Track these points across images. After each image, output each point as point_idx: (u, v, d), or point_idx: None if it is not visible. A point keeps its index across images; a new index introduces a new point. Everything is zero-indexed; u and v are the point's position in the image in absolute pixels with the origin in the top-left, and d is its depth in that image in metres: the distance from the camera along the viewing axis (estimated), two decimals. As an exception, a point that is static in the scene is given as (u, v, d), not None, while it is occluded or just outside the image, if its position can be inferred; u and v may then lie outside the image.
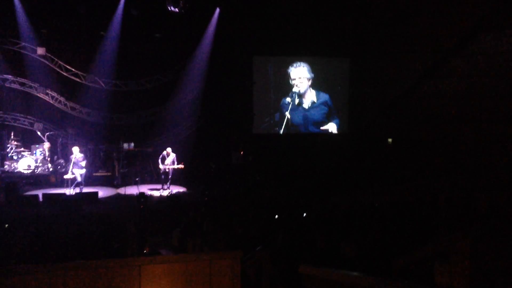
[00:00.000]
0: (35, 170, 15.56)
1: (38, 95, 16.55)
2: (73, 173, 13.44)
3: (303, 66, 18.45)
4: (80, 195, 13.24)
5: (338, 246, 6.02)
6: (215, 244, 7.26)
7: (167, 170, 14.17)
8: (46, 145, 15.94)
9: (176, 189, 14.81)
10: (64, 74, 16.66)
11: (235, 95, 18.15)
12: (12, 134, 16.00)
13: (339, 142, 18.79)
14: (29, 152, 15.94)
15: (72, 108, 17.01)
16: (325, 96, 18.67)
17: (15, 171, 15.48)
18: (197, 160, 16.87)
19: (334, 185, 14.84)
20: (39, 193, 13.10)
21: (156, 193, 14.23)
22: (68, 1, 15.33)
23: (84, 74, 16.85)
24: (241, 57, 17.92)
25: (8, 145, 15.87)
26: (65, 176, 13.76)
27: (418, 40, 16.50)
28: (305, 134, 18.77)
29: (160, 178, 14.52)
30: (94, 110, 17.17)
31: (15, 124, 16.48)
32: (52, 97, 16.71)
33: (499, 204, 7.75)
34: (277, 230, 7.24)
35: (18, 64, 16.37)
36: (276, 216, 9.51)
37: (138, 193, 12.92)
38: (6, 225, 9.10)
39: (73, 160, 13.37)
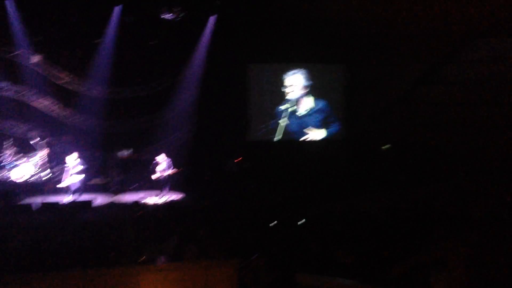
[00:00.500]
0: (30, 178, 15.49)
1: (33, 103, 16.50)
2: (69, 181, 13.40)
3: (299, 74, 18.47)
4: (75, 203, 13.19)
5: (334, 253, 6.03)
6: (212, 251, 7.24)
7: (161, 177, 14.16)
8: (42, 152, 15.88)
9: (172, 196, 14.78)
10: (59, 82, 16.63)
11: (230, 102, 18.15)
12: (6, 142, 15.91)
13: (335, 148, 18.80)
14: (24, 160, 15.86)
15: (68, 116, 16.97)
16: (321, 103, 18.70)
17: (9, 179, 15.39)
18: (193, 167, 16.84)
19: (329, 191, 14.83)
20: (34, 201, 13.05)
21: (152, 201, 14.19)
22: (62, 9, 15.34)
23: (79, 82, 16.82)
24: (236, 65, 17.94)
25: (2, 153, 15.79)
26: (61, 184, 13.71)
27: (414, 46, 16.58)
28: (300, 141, 18.78)
29: (157, 185, 14.49)
30: (90, 117, 17.13)
31: (11, 132, 16.41)
32: (47, 105, 16.66)
33: (496, 211, 7.76)
34: (273, 238, 7.24)
35: (13, 72, 16.33)
36: (272, 224, 9.51)
37: (134, 200, 12.89)
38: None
39: (69, 167, 13.33)
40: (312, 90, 18.63)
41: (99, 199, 14.20)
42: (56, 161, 16.34)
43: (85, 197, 13.79)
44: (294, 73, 18.49)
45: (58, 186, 13.86)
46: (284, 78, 18.50)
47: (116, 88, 17.22)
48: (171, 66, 17.62)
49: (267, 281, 5.48)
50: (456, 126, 16.08)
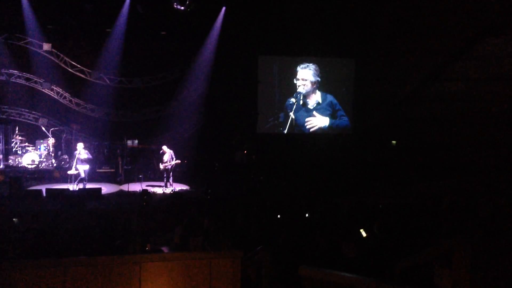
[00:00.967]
0: (39, 165, 15.61)
1: (43, 90, 16.62)
2: (76, 169, 13.48)
3: (309, 69, 18.40)
4: (83, 191, 13.27)
5: (340, 247, 6.02)
6: (217, 242, 7.26)
7: (167, 168, 14.20)
8: (51, 140, 15.99)
9: (179, 187, 14.83)
10: (70, 70, 16.72)
11: (240, 94, 18.13)
12: (16, 129, 16.05)
13: (343, 142, 18.74)
14: (34, 147, 15.99)
15: (77, 104, 17.06)
16: (330, 98, 18.64)
17: (19, 166, 15.53)
18: (201, 159, 16.88)
19: (337, 186, 14.80)
20: (43, 188, 13.15)
21: (159, 190, 14.25)
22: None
23: (90, 71, 16.90)
24: (246, 56, 17.90)
25: (12, 140, 15.92)
26: (69, 172, 13.80)
27: (424, 41, 16.45)
28: (309, 134, 18.75)
29: (162, 175, 14.53)
30: (99, 106, 17.23)
31: (20, 119, 16.55)
32: (57, 93, 16.77)
33: (502, 208, 7.70)
34: (279, 230, 7.24)
35: (24, 60, 16.44)
36: (278, 216, 9.51)
37: (141, 190, 12.95)
38: (15, 219, 9.11)
39: (77, 156, 13.41)
40: (321, 84, 18.58)
41: (107, 188, 14.27)
42: (65, 149, 16.46)
43: (92, 185, 13.86)
44: (304, 67, 18.43)
45: (68, 173, 13.93)
46: (294, 71, 18.45)
47: (126, 78, 17.27)
48: (181, 57, 17.63)
49: (271, 274, 5.50)
50: (465, 122, 15.96)
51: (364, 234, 6.58)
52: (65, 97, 16.87)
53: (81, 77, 16.89)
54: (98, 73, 16.91)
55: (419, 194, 12.59)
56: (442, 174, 14.86)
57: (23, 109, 16.62)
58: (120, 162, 15.97)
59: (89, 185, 13.73)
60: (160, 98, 17.78)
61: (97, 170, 15.84)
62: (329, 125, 18.71)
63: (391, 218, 8.37)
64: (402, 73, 17.33)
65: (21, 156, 15.66)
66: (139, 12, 15.96)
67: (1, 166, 15.60)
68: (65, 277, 4.33)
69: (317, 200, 12.86)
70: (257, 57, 18.30)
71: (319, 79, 18.45)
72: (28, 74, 16.47)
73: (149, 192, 12.87)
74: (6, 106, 16.41)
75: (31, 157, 15.59)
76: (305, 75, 18.39)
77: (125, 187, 14.33)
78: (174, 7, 15.34)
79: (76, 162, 13.42)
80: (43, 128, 16.36)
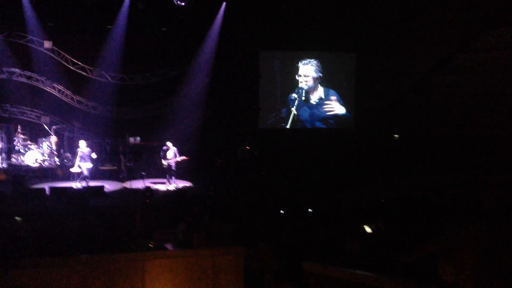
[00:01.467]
0: (42, 164, 15.62)
1: (45, 88, 16.61)
2: (79, 167, 13.49)
3: (311, 65, 18.36)
4: (86, 189, 13.29)
5: (343, 242, 6.01)
6: (220, 238, 7.27)
7: (170, 164, 14.19)
8: (53, 138, 16.00)
9: (181, 184, 14.83)
10: (71, 67, 16.71)
11: (241, 89, 18.12)
12: (19, 127, 16.05)
13: (345, 137, 18.72)
14: (36, 146, 16.00)
15: (79, 102, 17.07)
16: (332, 93, 18.60)
17: (22, 164, 15.55)
18: (203, 155, 16.87)
19: (339, 180, 14.80)
20: (46, 186, 13.17)
21: (162, 187, 14.25)
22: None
23: (91, 68, 16.89)
24: (247, 52, 17.87)
25: (15, 138, 15.93)
26: (72, 170, 13.81)
27: (426, 35, 16.38)
28: (311, 130, 18.73)
29: (165, 172, 14.53)
30: (101, 103, 17.22)
31: (22, 118, 16.56)
32: (59, 90, 16.77)
33: (505, 201, 7.68)
34: (282, 226, 7.24)
35: (25, 58, 16.42)
36: (281, 212, 9.51)
37: (144, 187, 12.96)
38: (18, 218, 9.13)
39: (79, 153, 13.42)
40: (323, 79, 18.54)
41: (109, 186, 14.29)
42: (67, 147, 16.47)
43: (95, 183, 13.88)
44: (306, 63, 18.38)
45: (70, 170, 13.94)
46: (295, 66, 18.41)
47: (127, 74, 17.26)
48: (182, 53, 17.60)
49: (274, 269, 5.50)
50: (468, 116, 15.91)
51: (369, 230, 6.57)
52: (66, 95, 16.87)
53: (82, 74, 16.87)
54: (99, 70, 16.90)
55: (422, 188, 12.57)
56: (445, 168, 14.84)
57: (25, 108, 16.63)
58: (122, 159, 15.99)
59: (92, 183, 13.75)
60: (162, 95, 17.78)
61: (100, 168, 15.85)
62: (343, 114, 18.75)
63: (394, 212, 8.36)
64: (403, 67, 17.28)
65: (23, 154, 15.67)
66: (139, 8, 15.92)
67: (4, 165, 15.62)
68: (69, 276, 4.33)
69: (320, 195, 12.87)
70: (258, 52, 18.26)
71: (321, 74, 18.41)
72: (30, 72, 16.47)
73: (152, 189, 12.88)
74: (8, 105, 16.42)
75: (33, 156, 15.60)
76: (307, 71, 18.36)
77: (127, 184, 14.35)
78: (174, 3, 15.31)
79: (79, 159, 13.43)
80: (45, 126, 16.37)
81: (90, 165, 13.64)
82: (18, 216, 9.38)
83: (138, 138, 16.62)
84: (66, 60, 16.64)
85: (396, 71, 17.50)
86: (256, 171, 16.17)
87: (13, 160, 15.65)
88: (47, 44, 16.15)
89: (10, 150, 15.94)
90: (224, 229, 7.45)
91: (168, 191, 13.92)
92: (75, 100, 17.00)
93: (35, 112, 16.69)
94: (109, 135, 17.07)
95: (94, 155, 13.62)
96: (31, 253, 6.57)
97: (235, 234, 7.22)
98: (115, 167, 16.15)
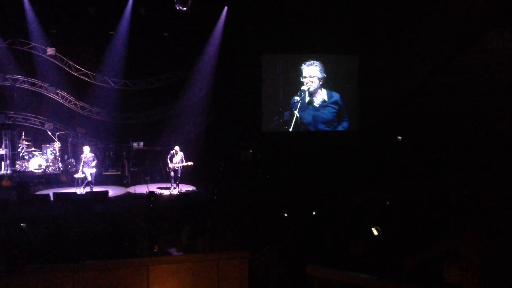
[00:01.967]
0: (46, 170, 15.67)
1: (48, 95, 16.67)
2: (83, 173, 13.51)
3: (316, 65, 18.37)
4: (90, 194, 13.30)
5: (348, 245, 6.00)
6: (225, 242, 7.26)
7: (176, 168, 14.20)
8: (57, 144, 16.04)
9: (185, 188, 14.84)
10: (74, 73, 16.77)
11: (244, 93, 18.13)
12: (23, 134, 16.11)
13: (348, 140, 18.70)
14: (40, 152, 16.05)
15: (82, 108, 17.11)
16: (336, 96, 18.60)
17: (27, 170, 15.60)
18: (206, 159, 16.88)
19: (343, 183, 14.77)
20: (50, 192, 13.20)
21: (165, 192, 14.26)
22: (77, 1, 15.42)
23: (94, 74, 16.94)
24: (249, 55, 17.89)
25: (19, 145, 15.99)
26: (76, 176, 13.84)
27: (427, 36, 16.36)
28: (315, 132, 18.71)
29: (169, 176, 14.53)
30: (104, 109, 17.26)
31: (26, 124, 16.61)
32: (62, 96, 16.82)
33: (509, 202, 7.66)
34: (286, 229, 7.23)
35: (29, 65, 16.49)
36: (286, 215, 9.50)
37: (147, 192, 12.96)
38: (23, 224, 9.16)
39: (83, 159, 13.44)
40: (326, 81, 18.54)
41: (113, 191, 14.31)
42: (71, 153, 16.51)
43: (99, 188, 13.90)
44: (310, 64, 18.39)
45: (74, 176, 13.98)
46: (298, 69, 18.42)
47: (130, 80, 17.30)
48: (185, 58, 17.64)
49: (279, 273, 5.48)
50: (471, 117, 15.86)
51: (375, 233, 6.55)
52: (70, 101, 16.93)
53: (85, 80, 16.92)
54: (102, 76, 16.94)
55: (427, 190, 12.53)
56: (449, 169, 14.79)
57: (29, 114, 16.68)
58: (126, 165, 16.01)
59: (96, 188, 13.78)
60: (165, 100, 17.80)
61: (104, 173, 15.88)
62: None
63: (399, 214, 8.34)
64: (406, 68, 17.26)
65: (28, 161, 15.72)
66: (141, 14, 15.98)
67: (9, 172, 15.68)
68: (73, 281, 4.33)
69: (324, 198, 12.85)
70: (261, 55, 18.28)
71: (325, 75, 18.44)
72: (33, 79, 16.53)
73: (155, 193, 12.88)
74: (12, 112, 16.48)
75: (38, 162, 15.64)
76: (312, 72, 18.37)
77: (131, 189, 14.36)
78: (176, 8, 15.35)
79: (83, 165, 13.46)
80: (49, 133, 16.42)
81: (94, 170, 13.67)
82: (23, 222, 9.41)
83: (142, 143, 16.64)
84: (69, 67, 16.70)
85: (398, 72, 17.48)
86: (260, 174, 16.15)
87: (18, 166, 15.71)
88: (50, 50, 16.22)
89: (14, 157, 16.00)
90: (228, 233, 7.44)
91: (172, 196, 13.92)
92: (78, 106, 17.05)
93: (39, 118, 16.75)
94: (112, 141, 17.10)
95: (94, 163, 13.62)
96: (36, 258, 6.58)
97: (240, 238, 7.21)
98: (119, 172, 16.16)
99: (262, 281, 5.52)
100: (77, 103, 17.02)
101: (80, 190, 13.54)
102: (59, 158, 16.08)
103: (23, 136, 16.06)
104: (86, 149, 13.69)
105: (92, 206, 12.07)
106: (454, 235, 4.96)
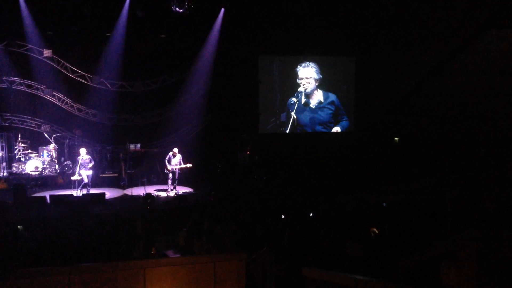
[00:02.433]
0: (43, 172, 15.62)
1: (45, 97, 16.62)
2: (80, 175, 13.48)
3: (312, 67, 18.40)
4: (87, 196, 13.28)
5: (344, 246, 5.99)
6: (222, 244, 7.24)
7: (174, 170, 14.18)
8: (52, 146, 15.96)
9: (182, 190, 14.82)
10: (71, 75, 16.73)
11: (241, 95, 18.13)
12: (19, 136, 16.06)
13: (345, 141, 18.73)
14: (37, 154, 15.99)
15: (79, 110, 17.07)
16: (332, 97, 18.63)
17: (23, 172, 15.54)
18: (203, 160, 16.86)
19: (340, 184, 14.78)
20: (47, 194, 13.16)
21: (162, 194, 14.23)
22: (74, 3, 15.39)
23: (90, 76, 16.90)
24: (246, 57, 17.90)
25: (15, 147, 15.95)
26: (72, 178, 13.80)
27: (424, 37, 16.40)
28: (312, 134, 18.73)
29: (166, 178, 14.51)
30: (101, 111, 17.22)
31: (23, 126, 16.55)
32: (59, 98, 16.78)
33: (508, 203, 7.66)
34: (283, 230, 7.21)
35: (25, 67, 16.45)
36: (283, 216, 9.48)
37: (145, 194, 12.94)
38: (20, 227, 9.12)
39: (80, 161, 13.41)
40: (323, 82, 18.56)
41: (110, 193, 14.28)
42: (68, 155, 16.47)
43: (96, 190, 13.87)
44: (306, 66, 18.42)
45: (71, 178, 13.94)
46: (295, 71, 18.45)
47: (126, 82, 17.27)
48: (182, 60, 17.62)
49: (276, 275, 5.47)
50: (469, 117, 15.90)
51: (373, 234, 6.56)
52: (66, 103, 16.88)
53: (82, 82, 16.89)
54: (99, 78, 16.92)
55: (424, 191, 12.55)
56: (446, 170, 14.82)
57: (25, 116, 16.62)
58: (123, 167, 15.97)
59: (92, 190, 13.75)
60: (162, 101, 17.78)
61: (101, 175, 15.84)
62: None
63: (396, 215, 8.34)
64: (403, 69, 17.30)
65: (24, 163, 15.67)
66: (138, 16, 15.97)
67: (5, 174, 15.62)
68: (70, 284, 4.31)
69: (321, 199, 12.85)
70: (257, 57, 18.29)
71: (321, 76, 18.47)
72: (29, 81, 16.48)
73: (152, 195, 12.86)
74: (8, 114, 16.42)
75: (34, 164, 15.59)
76: (308, 73, 18.41)
77: (128, 191, 14.33)
78: (173, 10, 15.35)
79: (79, 167, 13.42)
80: (46, 135, 16.38)
81: (90, 172, 13.64)
82: (19, 224, 9.37)
83: (139, 145, 16.60)
84: (66, 68, 16.66)
85: (395, 73, 17.52)
86: (257, 176, 16.15)
87: (14, 168, 15.66)
88: (47, 52, 16.18)
89: (10, 159, 15.95)
90: (225, 234, 7.42)
91: (169, 198, 13.89)
92: (75, 108, 17.01)
93: (35, 120, 16.69)
94: (109, 143, 17.06)
95: (91, 165, 13.59)
96: (32, 261, 6.55)
97: (237, 240, 7.19)
98: (116, 174, 16.12)
99: (259, 283, 5.51)
100: (74, 105, 16.98)
101: (76, 192, 13.50)
102: (56, 160, 16.03)
103: (19, 138, 16.00)
104: (83, 151, 13.66)
105: (89, 208, 12.03)
106: (451, 236, 4.96)
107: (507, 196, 9.03)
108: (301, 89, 18.42)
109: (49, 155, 15.95)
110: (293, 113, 18.38)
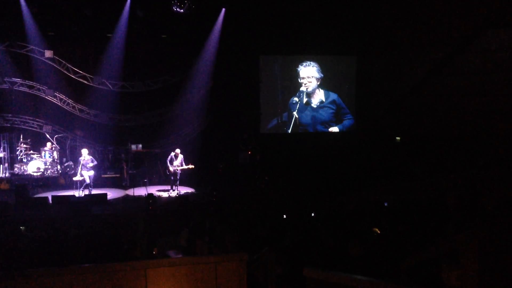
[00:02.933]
0: (45, 173, 15.65)
1: (47, 97, 16.66)
2: (82, 175, 13.50)
3: (313, 66, 18.41)
4: (89, 196, 13.30)
5: (346, 246, 5.99)
6: (223, 244, 7.25)
7: (176, 171, 14.18)
8: (49, 145, 15.93)
9: (184, 190, 14.83)
10: (72, 76, 16.76)
11: (242, 95, 18.14)
12: (21, 137, 16.09)
13: (346, 140, 18.72)
14: (39, 155, 16.02)
15: (80, 110, 17.09)
16: (333, 96, 18.63)
17: (25, 173, 15.57)
18: (205, 161, 16.88)
19: (342, 184, 14.78)
20: (49, 195, 13.19)
21: (164, 194, 14.25)
22: (75, 3, 15.42)
23: (92, 76, 16.93)
24: (247, 57, 17.90)
25: (17, 148, 15.98)
26: (74, 178, 13.83)
27: (425, 37, 16.39)
28: (313, 133, 18.74)
29: (168, 179, 14.53)
30: (102, 112, 17.24)
31: (24, 127, 16.59)
32: (60, 99, 16.81)
33: (509, 203, 7.66)
34: (285, 230, 7.22)
35: (27, 67, 16.49)
36: (284, 216, 9.50)
37: (146, 194, 12.96)
38: (22, 228, 9.14)
39: (81, 162, 13.43)
40: (324, 82, 18.56)
41: (112, 193, 14.30)
42: (70, 155, 16.49)
43: (98, 191, 13.89)
44: (307, 65, 18.42)
45: (73, 179, 13.97)
46: (296, 70, 18.45)
47: (128, 82, 17.29)
48: (183, 60, 17.64)
49: (277, 275, 5.47)
50: (469, 117, 15.88)
51: (374, 234, 6.56)
52: (68, 104, 16.91)
53: (83, 83, 16.92)
54: (100, 78, 16.94)
55: (425, 190, 12.54)
56: (447, 169, 14.81)
57: (27, 117, 16.65)
58: (125, 167, 15.99)
59: (94, 191, 13.76)
60: (163, 102, 17.79)
61: (102, 176, 15.87)
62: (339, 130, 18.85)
63: (397, 215, 8.34)
64: (404, 69, 17.29)
65: (26, 164, 15.69)
66: (139, 16, 15.99)
67: (7, 175, 15.66)
68: (71, 285, 4.32)
69: (323, 199, 12.86)
70: (258, 57, 18.29)
71: (322, 75, 18.47)
72: (31, 82, 16.51)
73: (154, 196, 12.88)
74: (10, 114, 16.45)
75: (36, 165, 15.61)
76: (310, 73, 18.41)
77: (130, 192, 14.35)
78: (173, 10, 15.36)
79: (81, 168, 13.45)
80: (48, 135, 16.41)
81: (92, 173, 13.66)
82: (21, 225, 9.40)
83: (140, 146, 16.62)
84: (67, 69, 16.69)
85: (396, 73, 17.51)
86: (259, 176, 16.15)
87: (16, 169, 15.69)
88: (48, 53, 16.22)
89: (12, 160, 15.98)
90: (227, 235, 7.43)
91: (170, 198, 13.91)
92: (76, 108, 17.04)
93: (37, 121, 16.72)
94: (111, 143, 17.09)
95: (92, 166, 13.62)
96: (34, 262, 6.57)
97: (238, 240, 7.20)
98: (117, 175, 16.15)
99: (261, 283, 5.52)
100: (76, 105, 17.01)
101: (78, 193, 13.53)
102: (58, 161, 16.06)
103: (21, 139, 16.03)
104: (85, 151, 13.68)
105: (91, 209, 12.06)
106: (452, 236, 4.95)
107: (508, 196, 9.03)
108: (302, 88, 18.42)
109: (51, 155, 15.96)
110: (295, 113, 18.39)
